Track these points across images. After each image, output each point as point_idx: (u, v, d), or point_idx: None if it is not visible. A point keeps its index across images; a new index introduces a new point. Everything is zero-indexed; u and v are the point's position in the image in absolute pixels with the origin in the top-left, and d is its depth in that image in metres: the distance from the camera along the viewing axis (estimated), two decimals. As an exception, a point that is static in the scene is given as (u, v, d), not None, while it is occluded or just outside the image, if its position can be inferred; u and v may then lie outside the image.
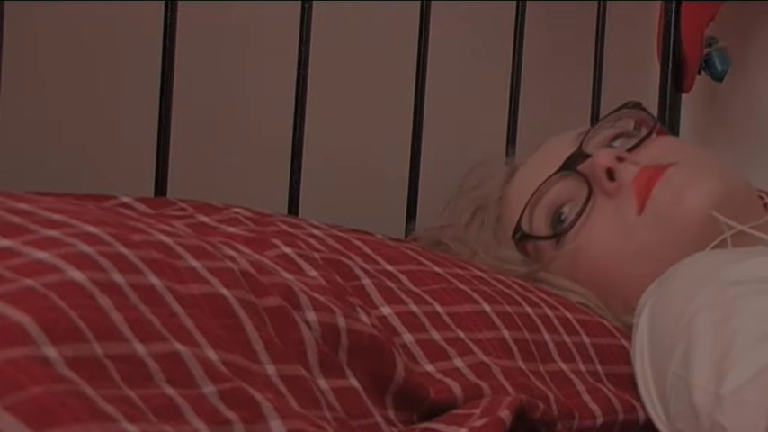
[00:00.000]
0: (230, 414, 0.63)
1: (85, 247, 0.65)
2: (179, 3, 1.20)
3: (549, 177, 1.13)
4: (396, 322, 0.85)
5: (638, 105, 1.19)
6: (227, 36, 1.40)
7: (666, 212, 1.06)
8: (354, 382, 0.74)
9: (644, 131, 1.14)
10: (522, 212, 1.14)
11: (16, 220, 0.67)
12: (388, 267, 0.91)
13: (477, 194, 1.22)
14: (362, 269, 0.88)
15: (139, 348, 0.62)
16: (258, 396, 0.65)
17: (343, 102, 1.47)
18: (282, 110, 1.30)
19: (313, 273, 0.80)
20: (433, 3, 1.40)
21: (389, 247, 0.99)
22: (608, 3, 1.61)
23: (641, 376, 0.95)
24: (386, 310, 0.85)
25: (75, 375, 0.57)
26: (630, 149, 1.12)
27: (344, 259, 0.86)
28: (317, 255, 0.87)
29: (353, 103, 1.50)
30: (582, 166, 1.11)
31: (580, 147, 1.13)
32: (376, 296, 0.85)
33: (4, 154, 1.20)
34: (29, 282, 0.61)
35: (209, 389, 0.63)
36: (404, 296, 0.88)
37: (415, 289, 0.90)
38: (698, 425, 0.86)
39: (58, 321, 0.59)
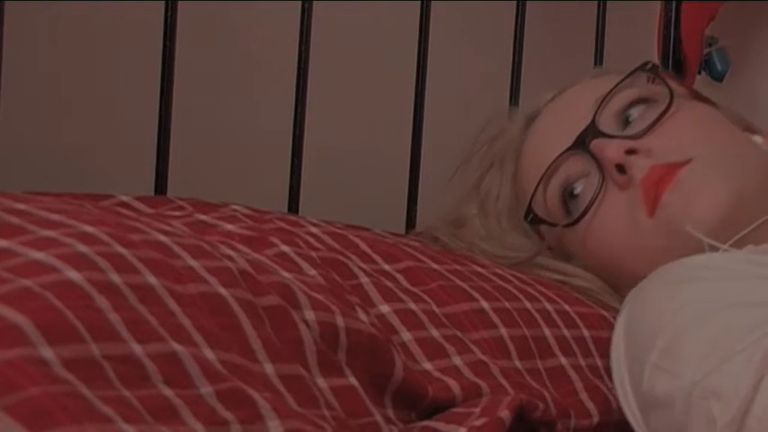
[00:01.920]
0: (228, 414, 0.63)
1: (83, 248, 0.64)
2: (179, 3, 1.20)
3: (561, 154, 1.10)
4: (394, 321, 0.84)
5: (654, 69, 1.13)
6: (227, 36, 1.40)
7: (676, 221, 1.03)
8: (353, 380, 0.74)
9: (661, 102, 1.09)
10: (535, 191, 1.12)
11: (14, 220, 0.67)
12: (386, 267, 0.91)
13: (494, 149, 1.19)
14: (361, 268, 0.88)
15: (137, 349, 0.62)
16: (256, 396, 0.65)
17: (343, 101, 1.47)
18: (282, 109, 1.30)
19: (312, 272, 0.79)
20: (433, 3, 1.40)
21: (387, 244, 0.99)
22: (608, 3, 1.61)
23: (617, 376, 0.94)
24: (384, 309, 0.85)
25: (72, 376, 0.57)
26: (643, 133, 1.07)
27: (343, 258, 0.86)
28: (314, 254, 0.86)
29: (353, 103, 1.50)
30: (594, 145, 1.07)
31: (594, 120, 1.09)
32: (375, 295, 0.85)
33: (3, 154, 1.20)
34: (26, 282, 0.60)
35: (206, 389, 0.63)
36: (402, 295, 0.88)
37: (412, 288, 0.89)
38: (673, 414, 0.85)
39: (55, 322, 0.59)
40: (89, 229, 0.66)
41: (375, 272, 0.88)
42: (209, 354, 0.65)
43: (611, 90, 1.11)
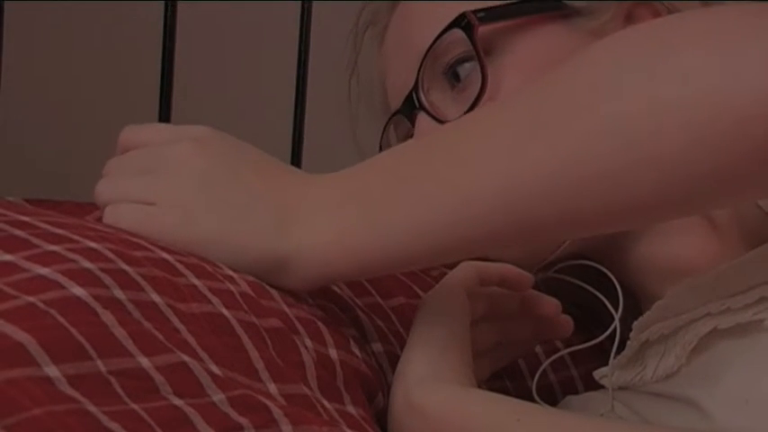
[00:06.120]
0: (242, 420, 0.62)
1: (88, 264, 0.64)
2: (179, 3, 1.20)
3: (393, 116, 1.03)
4: (384, 362, 0.83)
5: (469, 27, 0.94)
6: (228, 36, 1.40)
7: None
8: (352, 409, 0.73)
9: (491, 60, 0.95)
10: (385, 127, 1.06)
11: (18, 232, 0.67)
12: (380, 301, 0.89)
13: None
14: (355, 303, 0.86)
15: (144, 362, 0.61)
16: (268, 402, 0.65)
17: (342, 102, 1.47)
18: (282, 110, 1.30)
19: (310, 300, 0.79)
20: (433, 2, 1.40)
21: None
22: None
23: None
24: (377, 347, 0.83)
25: (77, 394, 0.57)
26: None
27: (338, 291, 0.84)
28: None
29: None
30: (416, 124, 0.98)
31: (416, 84, 0.97)
32: (370, 331, 0.83)
33: (4, 154, 1.20)
34: (30, 299, 0.60)
35: (218, 396, 0.63)
36: (392, 338, 0.86)
37: (401, 330, 0.87)
38: None
39: (60, 339, 0.58)
40: (93, 244, 0.66)
41: (368, 306, 0.86)
42: (215, 369, 0.65)
43: (430, 47, 0.97)
